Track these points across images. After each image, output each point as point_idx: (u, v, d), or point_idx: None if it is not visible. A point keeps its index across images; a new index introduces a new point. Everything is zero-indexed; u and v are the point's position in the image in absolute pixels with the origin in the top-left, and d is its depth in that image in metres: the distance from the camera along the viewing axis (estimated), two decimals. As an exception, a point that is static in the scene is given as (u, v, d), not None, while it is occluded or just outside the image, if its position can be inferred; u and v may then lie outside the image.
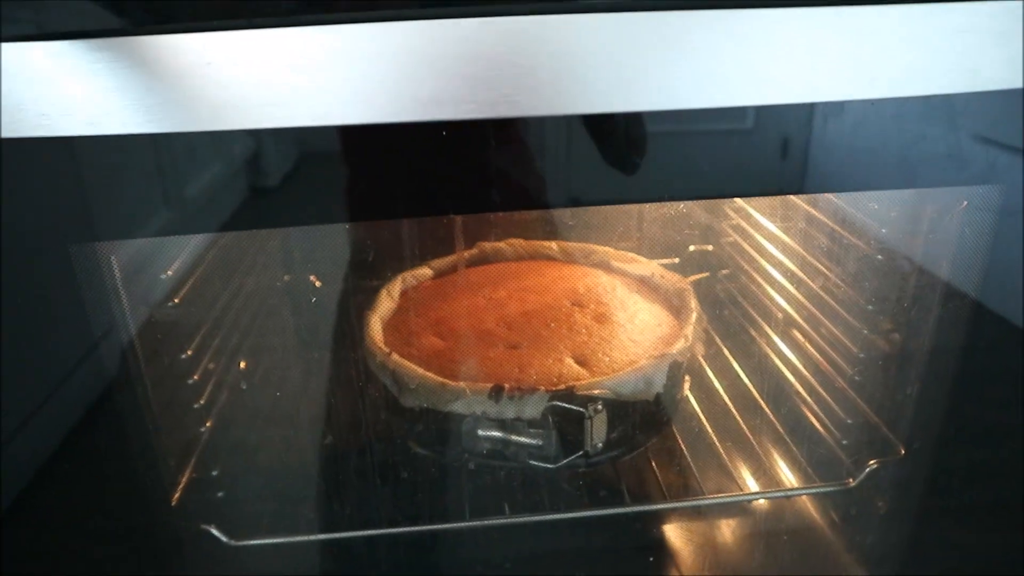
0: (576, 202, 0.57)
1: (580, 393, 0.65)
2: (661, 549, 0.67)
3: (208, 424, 0.68)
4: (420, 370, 0.67)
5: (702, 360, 0.83)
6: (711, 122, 0.48)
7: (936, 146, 0.49)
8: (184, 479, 0.65)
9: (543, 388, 0.64)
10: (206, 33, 0.41)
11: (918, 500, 0.65)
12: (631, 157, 0.50)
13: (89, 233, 0.50)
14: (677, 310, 0.79)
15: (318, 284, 0.84)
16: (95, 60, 0.42)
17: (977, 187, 0.51)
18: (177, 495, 0.64)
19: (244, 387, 0.74)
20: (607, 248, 0.89)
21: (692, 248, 0.97)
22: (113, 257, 0.55)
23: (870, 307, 0.68)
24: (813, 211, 0.75)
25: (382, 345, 0.72)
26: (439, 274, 0.87)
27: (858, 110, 0.48)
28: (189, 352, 0.66)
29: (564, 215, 0.94)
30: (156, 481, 0.61)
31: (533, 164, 0.49)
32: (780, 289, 0.82)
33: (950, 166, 0.49)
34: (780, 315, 0.81)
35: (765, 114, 0.48)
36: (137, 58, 0.42)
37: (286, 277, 0.83)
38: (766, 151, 0.50)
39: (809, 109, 0.48)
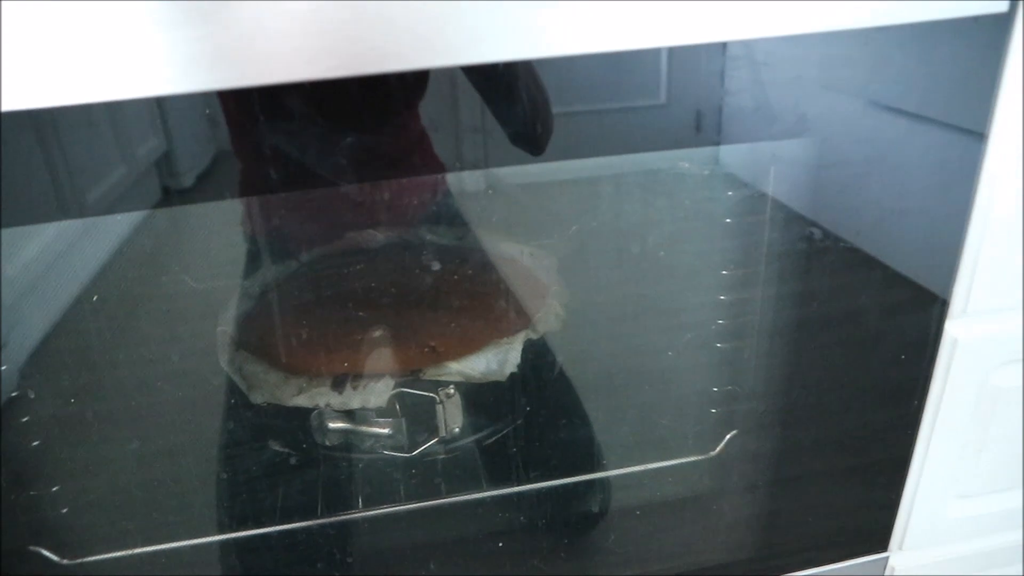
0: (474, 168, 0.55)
1: (429, 378, 0.63)
2: (518, 533, 0.65)
3: (39, 440, 0.64)
4: (263, 365, 0.64)
5: (566, 338, 0.82)
6: (624, 99, 0.47)
7: (742, 99, 0.48)
8: (16, 498, 0.61)
9: (388, 375, 0.62)
10: None
11: (776, 466, 0.65)
12: (537, 136, 0.48)
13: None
14: (543, 289, 0.78)
15: (193, 284, 0.81)
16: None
17: (790, 141, 0.50)
18: (10, 516, 0.60)
19: (76, 398, 0.70)
20: (478, 230, 0.87)
21: (574, 228, 0.95)
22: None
23: (724, 272, 0.68)
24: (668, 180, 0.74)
25: (230, 342, 0.69)
26: (303, 266, 0.84)
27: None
28: (4, 367, 0.62)
29: (455, 197, 0.92)
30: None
31: (416, 130, 0.47)
32: (641, 260, 0.81)
33: (759, 120, 0.48)
34: (643, 287, 0.80)
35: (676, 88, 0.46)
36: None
37: (137, 277, 0.79)
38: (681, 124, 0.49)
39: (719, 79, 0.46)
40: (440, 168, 0.75)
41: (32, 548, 0.59)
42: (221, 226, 0.75)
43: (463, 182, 0.77)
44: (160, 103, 0.44)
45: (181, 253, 0.80)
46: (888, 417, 0.63)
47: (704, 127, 0.53)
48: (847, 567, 0.68)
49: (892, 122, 0.51)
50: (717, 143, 0.54)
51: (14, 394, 0.62)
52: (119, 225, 0.67)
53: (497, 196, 0.88)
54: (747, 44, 0.46)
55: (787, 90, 0.48)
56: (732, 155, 0.64)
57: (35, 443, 0.64)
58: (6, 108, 0.39)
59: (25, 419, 0.63)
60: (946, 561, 0.70)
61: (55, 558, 0.59)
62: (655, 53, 0.46)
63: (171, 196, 0.48)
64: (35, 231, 0.60)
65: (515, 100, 0.46)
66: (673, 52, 0.46)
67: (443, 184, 0.86)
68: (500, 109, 0.47)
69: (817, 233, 0.57)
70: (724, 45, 0.47)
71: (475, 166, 0.52)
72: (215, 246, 0.77)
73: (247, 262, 0.81)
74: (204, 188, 0.47)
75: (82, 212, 0.47)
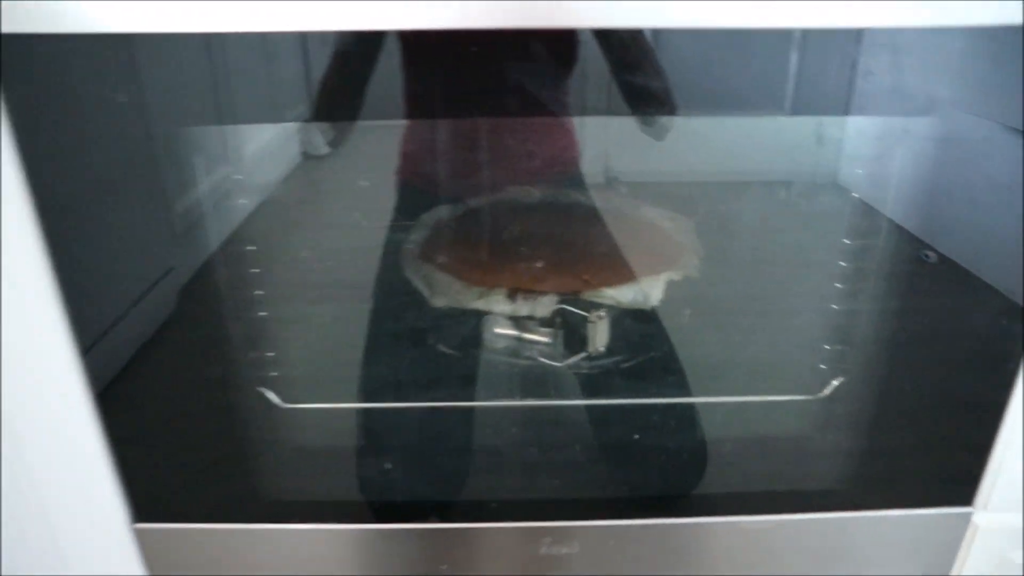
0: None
1: (586, 299, 0.75)
2: (649, 435, 0.76)
3: (267, 309, 0.78)
4: (447, 275, 0.78)
5: (699, 286, 0.92)
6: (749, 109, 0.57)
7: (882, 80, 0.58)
8: (246, 357, 0.75)
9: (552, 293, 0.75)
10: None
11: (877, 410, 0.73)
12: (661, 122, 0.59)
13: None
14: (680, 244, 0.88)
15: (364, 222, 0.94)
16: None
17: (919, 119, 0.60)
18: (240, 370, 0.74)
19: (302, 276, 0.83)
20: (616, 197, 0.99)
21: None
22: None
23: (846, 240, 0.77)
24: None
25: (415, 257, 0.82)
26: (471, 209, 0.97)
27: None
28: (253, 247, 0.75)
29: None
30: (221, 359, 0.72)
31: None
32: (765, 226, 0.90)
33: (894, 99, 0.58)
34: (767, 251, 0.89)
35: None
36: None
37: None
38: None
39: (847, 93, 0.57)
40: (574, 142, 0.85)
41: (259, 388, 0.73)
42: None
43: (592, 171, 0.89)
44: (308, 70, 0.55)
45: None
46: (983, 380, 0.70)
47: (825, 141, 0.63)
48: (931, 514, 0.76)
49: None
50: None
51: (255, 270, 0.77)
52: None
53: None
54: (878, 59, 0.56)
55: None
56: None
57: (262, 313, 0.79)
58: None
59: (259, 292, 0.78)
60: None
61: (277, 400, 0.73)
62: (784, 67, 0.56)
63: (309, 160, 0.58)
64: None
65: (642, 79, 0.57)
66: (802, 66, 0.56)
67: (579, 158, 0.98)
68: (627, 85, 0.57)
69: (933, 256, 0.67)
70: (854, 63, 0.56)
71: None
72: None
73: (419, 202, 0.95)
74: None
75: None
